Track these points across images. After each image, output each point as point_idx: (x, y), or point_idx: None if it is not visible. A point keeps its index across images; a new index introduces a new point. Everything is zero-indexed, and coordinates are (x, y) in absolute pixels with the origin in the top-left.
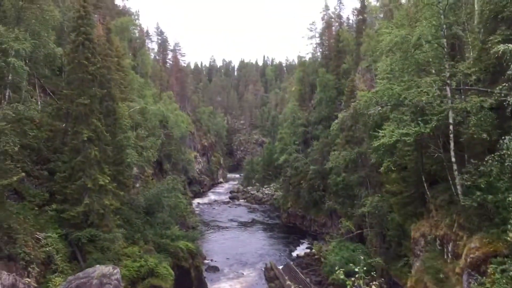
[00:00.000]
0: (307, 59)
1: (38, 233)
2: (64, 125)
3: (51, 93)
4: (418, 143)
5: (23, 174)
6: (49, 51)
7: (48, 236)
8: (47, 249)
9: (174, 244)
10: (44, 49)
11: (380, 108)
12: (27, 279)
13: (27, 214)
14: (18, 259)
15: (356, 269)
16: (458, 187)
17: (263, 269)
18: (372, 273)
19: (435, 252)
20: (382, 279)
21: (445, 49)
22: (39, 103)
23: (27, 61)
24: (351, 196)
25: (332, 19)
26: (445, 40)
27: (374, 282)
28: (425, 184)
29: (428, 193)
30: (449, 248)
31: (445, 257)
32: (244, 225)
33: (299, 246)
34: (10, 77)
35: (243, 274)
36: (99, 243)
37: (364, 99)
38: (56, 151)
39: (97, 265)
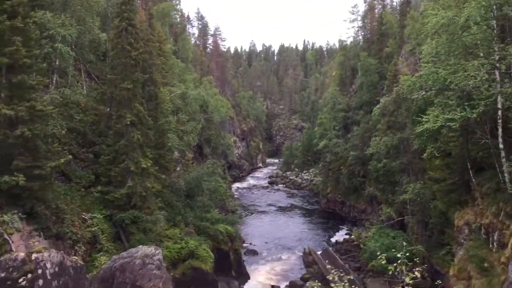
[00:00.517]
0: (349, 43)
1: (84, 213)
2: (108, 109)
3: (95, 78)
4: (463, 129)
5: (70, 156)
6: (94, 37)
7: (93, 216)
8: (92, 229)
9: (214, 227)
10: (89, 34)
11: (424, 92)
12: (74, 257)
13: (73, 195)
14: (65, 238)
15: (399, 255)
16: (506, 174)
17: (302, 254)
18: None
19: (480, 241)
20: (425, 265)
21: (495, 31)
22: (84, 87)
23: (73, 47)
24: (392, 183)
25: (375, 1)
26: (494, 21)
27: (417, 268)
28: (470, 171)
29: (473, 180)
30: (495, 237)
31: (490, 246)
32: (282, 209)
33: (338, 232)
34: (57, 62)
35: (281, 258)
36: (142, 225)
37: (407, 83)
38: (100, 134)
39: (140, 246)
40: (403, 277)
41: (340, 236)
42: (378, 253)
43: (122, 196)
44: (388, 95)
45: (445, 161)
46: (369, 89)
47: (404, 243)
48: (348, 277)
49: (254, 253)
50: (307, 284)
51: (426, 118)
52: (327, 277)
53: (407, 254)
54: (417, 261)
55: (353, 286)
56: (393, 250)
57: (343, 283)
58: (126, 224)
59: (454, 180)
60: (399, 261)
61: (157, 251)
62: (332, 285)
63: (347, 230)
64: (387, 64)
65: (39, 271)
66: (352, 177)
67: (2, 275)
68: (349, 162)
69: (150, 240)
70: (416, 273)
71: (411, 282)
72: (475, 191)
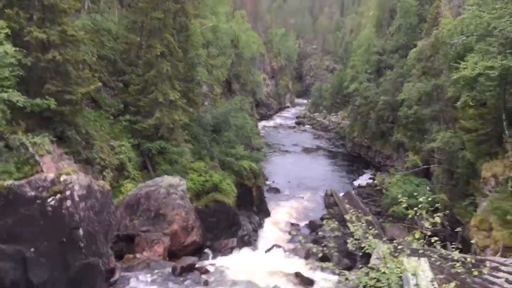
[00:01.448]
0: None
1: (112, 141)
2: (138, 38)
3: (127, 6)
4: (502, 78)
5: (100, 84)
6: None
7: (121, 144)
8: (120, 156)
9: (238, 163)
10: None
11: (464, 37)
12: (102, 181)
13: (103, 122)
14: (94, 163)
15: (421, 199)
16: None
17: (323, 195)
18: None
19: (506, 193)
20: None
21: None
22: (116, 14)
23: None
24: (421, 130)
25: None
26: None
27: (438, 214)
28: (504, 123)
29: (506, 132)
30: None
31: None
32: (307, 150)
33: (361, 176)
34: None
35: (303, 198)
36: (168, 156)
37: (448, 27)
38: (131, 63)
39: (165, 176)
40: (422, 222)
41: (363, 180)
42: (400, 196)
43: (150, 127)
44: (426, 38)
45: (479, 111)
46: (406, 32)
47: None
48: (366, 217)
49: (276, 191)
50: (324, 222)
51: (464, 64)
52: (345, 216)
53: (429, 199)
54: (439, 207)
55: (370, 227)
56: (416, 194)
57: (360, 223)
58: (152, 154)
59: (486, 130)
60: (419, 205)
61: (182, 182)
62: (349, 224)
63: (371, 175)
64: (429, 6)
65: (67, 193)
66: (381, 122)
67: (32, 194)
68: (378, 107)
69: (175, 171)
70: (437, 218)
71: (430, 227)
72: (507, 144)
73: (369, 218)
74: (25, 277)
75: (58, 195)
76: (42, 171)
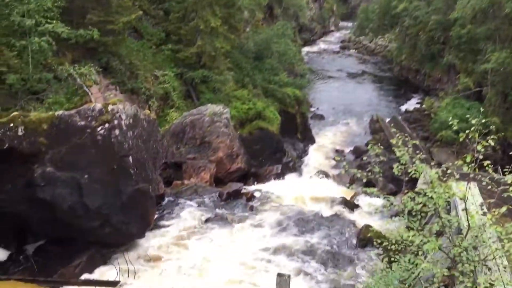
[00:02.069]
0: None
1: (156, 70)
2: None
3: None
4: None
5: (141, 12)
6: None
7: (165, 74)
8: (164, 85)
9: (282, 90)
10: None
11: None
12: (147, 111)
13: (146, 52)
14: (139, 93)
15: (473, 121)
16: None
17: (369, 121)
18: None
19: None
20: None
21: None
22: None
23: None
24: (474, 51)
25: None
26: None
27: (491, 137)
28: None
29: None
30: None
31: None
32: (353, 76)
33: (409, 101)
34: None
35: (348, 124)
36: (211, 84)
37: None
38: None
39: (209, 104)
40: (474, 145)
41: (410, 105)
42: (450, 119)
43: (192, 55)
44: None
45: None
46: None
47: (479, 113)
48: (413, 142)
49: (320, 117)
50: (369, 147)
51: None
52: (390, 141)
53: (482, 121)
54: (492, 130)
55: (417, 152)
56: (467, 117)
57: (407, 148)
58: (196, 83)
59: None
60: (472, 128)
61: (225, 110)
62: (395, 149)
63: (419, 99)
64: None
65: (115, 122)
66: (431, 43)
67: (82, 123)
68: (429, 27)
69: (219, 100)
70: (490, 141)
71: (482, 150)
72: None
73: (416, 142)
74: (81, 202)
75: (107, 125)
76: (90, 101)
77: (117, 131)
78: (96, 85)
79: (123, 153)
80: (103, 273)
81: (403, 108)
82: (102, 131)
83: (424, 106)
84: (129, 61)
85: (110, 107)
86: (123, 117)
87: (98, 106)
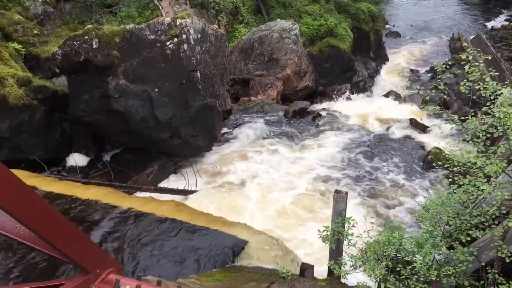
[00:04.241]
0: None
1: None
2: None
3: None
4: None
5: None
6: None
7: None
8: (234, 0)
9: (356, 5)
10: None
11: None
12: (215, 26)
13: None
14: (209, 8)
15: None
16: None
17: (449, 39)
18: None
19: None
20: None
21: None
22: None
23: None
24: None
25: None
26: None
27: None
28: None
29: None
30: None
31: None
32: None
33: (497, 17)
34: None
35: (426, 42)
36: None
37: None
38: None
39: (278, 20)
40: None
41: (498, 22)
42: None
43: None
44: None
45: None
46: None
47: None
48: (485, 56)
49: (396, 35)
50: (435, 63)
51: None
52: (460, 55)
53: None
54: None
55: (491, 69)
56: None
57: (478, 64)
58: None
59: None
60: None
61: (294, 26)
62: (464, 66)
63: (508, 16)
64: None
65: (184, 36)
66: None
67: (152, 37)
68: None
69: (289, 15)
70: None
71: None
72: None
73: (489, 57)
74: (152, 114)
75: (175, 39)
76: (161, 15)
77: (185, 46)
78: (166, 0)
79: (191, 68)
80: (173, 182)
81: (490, 25)
82: (171, 46)
83: None
84: None
85: (178, 21)
86: (191, 31)
87: (167, 20)
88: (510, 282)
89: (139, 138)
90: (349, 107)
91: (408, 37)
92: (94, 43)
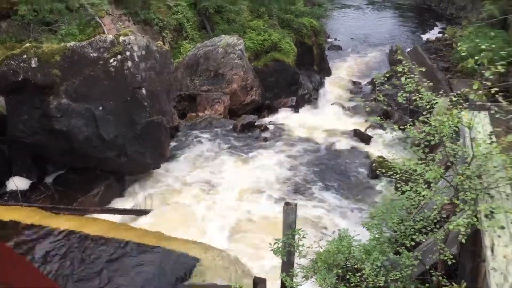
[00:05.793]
0: None
1: (169, 0)
2: None
3: None
4: None
5: None
6: None
7: (178, 4)
8: (178, 16)
9: (298, 20)
10: None
11: None
12: (160, 42)
13: None
14: (153, 24)
15: (483, 46)
16: None
17: (388, 52)
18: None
19: None
20: None
21: None
22: None
23: None
24: None
25: None
26: None
27: (501, 63)
28: None
29: None
30: None
31: None
32: (372, 4)
33: (431, 30)
34: None
35: (366, 55)
36: (225, 14)
37: None
38: None
39: (223, 35)
40: (483, 72)
41: (432, 34)
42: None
43: None
44: None
45: None
46: None
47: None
48: (419, 68)
49: (338, 48)
50: (374, 75)
51: None
52: (396, 68)
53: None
54: None
55: (424, 80)
56: (490, 48)
57: (413, 75)
58: (210, 13)
59: None
60: (482, 54)
61: (239, 41)
62: (402, 78)
63: (441, 28)
64: None
65: (127, 53)
66: None
67: (95, 55)
68: None
69: (233, 30)
70: (499, 67)
71: (491, 77)
72: None
73: (423, 69)
74: (97, 133)
75: (119, 56)
76: (103, 32)
77: (129, 63)
78: (108, 16)
79: (136, 85)
80: (120, 203)
81: (425, 37)
82: (114, 63)
83: (446, 35)
84: None
85: (121, 38)
86: (135, 48)
87: (110, 37)
88: (453, 283)
89: (83, 158)
90: (296, 120)
91: (350, 50)
92: (33, 62)
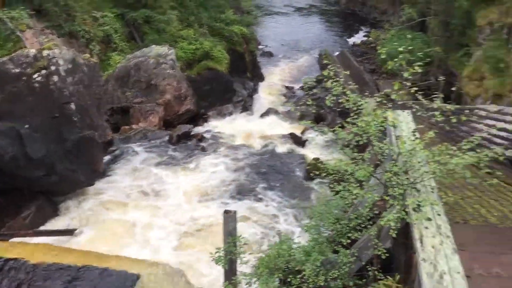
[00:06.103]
0: None
1: (94, 11)
2: None
3: None
4: None
5: None
6: None
7: (104, 15)
8: (105, 27)
9: (229, 28)
10: None
11: None
12: (87, 55)
13: None
14: (78, 37)
15: (400, 49)
16: None
17: (317, 56)
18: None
19: (500, 41)
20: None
21: None
22: None
23: None
24: None
25: None
26: None
27: (418, 63)
28: None
29: None
30: None
31: (509, 46)
32: (300, 10)
33: (356, 34)
34: None
35: (297, 60)
36: (155, 25)
37: None
38: None
39: (153, 46)
40: (402, 73)
41: (357, 38)
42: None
43: None
44: None
45: None
46: None
47: (422, 43)
48: (344, 72)
49: (269, 55)
50: (302, 79)
51: None
52: (322, 72)
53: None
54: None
55: (349, 83)
56: (410, 49)
57: (338, 79)
58: (138, 23)
59: None
60: (400, 56)
61: (170, 51)
62: (329, 81)
63: (366, 32)
64: None
65: (53, 68)
66: None
67: (17, 70)
68: None
69: (164, 40)
70: (416, 68)
71: (410, 77)
72: None
73: (347, 72)
74: (23, 152)
75: (43, 71)
76: (25, 47)
77: (55, 77)
78: (30, 30)
79: (64, 100)
80: (54, 223)
81: (351, 41)
82: (39, 78)
83: (371, 38)
84: (64, 2)
85: (45, 53)
86: (61, 62)
87: (32, 51)
88: (387, 277)
89: (9, 179)
90: (232, 127)
91: (281, 56)
92: None
